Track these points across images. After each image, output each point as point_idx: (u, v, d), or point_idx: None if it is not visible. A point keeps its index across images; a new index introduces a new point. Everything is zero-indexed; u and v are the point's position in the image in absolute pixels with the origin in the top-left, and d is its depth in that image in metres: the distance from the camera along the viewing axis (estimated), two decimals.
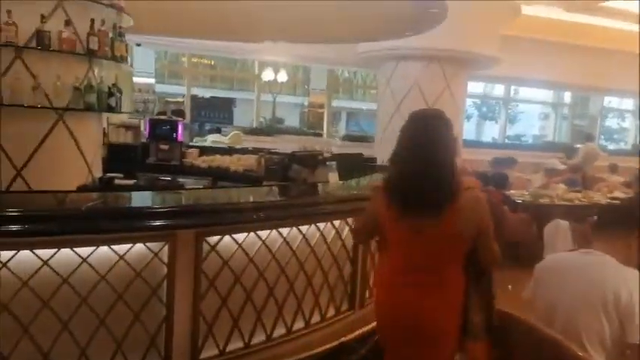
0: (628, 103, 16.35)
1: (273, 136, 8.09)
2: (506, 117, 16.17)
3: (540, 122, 20.92)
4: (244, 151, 5.56)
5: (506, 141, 14.10)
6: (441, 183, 1.80)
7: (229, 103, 18.53)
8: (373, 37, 5.43)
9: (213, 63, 16.13)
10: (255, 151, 5.28)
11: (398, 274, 1.91)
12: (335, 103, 16.01)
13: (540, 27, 9.50)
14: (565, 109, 16.91)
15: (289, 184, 3.06)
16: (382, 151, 8.12)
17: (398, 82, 7.62)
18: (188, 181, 4.74)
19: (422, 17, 4.82)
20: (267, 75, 10.39)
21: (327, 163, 3.10)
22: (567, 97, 16.39)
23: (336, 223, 2.70)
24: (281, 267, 2.49)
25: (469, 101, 14.69)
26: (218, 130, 10.17)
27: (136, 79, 11.67)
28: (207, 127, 13.34)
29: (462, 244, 1.85)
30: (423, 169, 1.82)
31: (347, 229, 2.78)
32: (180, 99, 12.34)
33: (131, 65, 11.36)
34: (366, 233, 2.16)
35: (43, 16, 3.36)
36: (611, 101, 17.40)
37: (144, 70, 12.70)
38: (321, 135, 10.61)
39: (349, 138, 9.05)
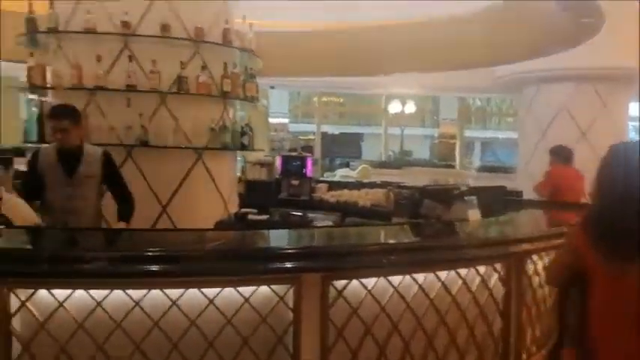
0: None
1: (401, 169, 7.80)
2: None
3: None
4: (372, 185, 5.36)
5: None
6: None
7: (357, 138, 18.79)
8: (515, 57, 4.92)
9: (342, 100, 16.54)
10: (383, 185, 5.06)
11: (606, 323, 1.69)
12: (467, 133, 15.24)
13: None
14: None
15: (422, 221, 2.76)
16: (526, 183, 7.30)
17: (541, 107, 6.85)
18: (317, 216, 4.68)
19: (573, 30, 4.24)
20: (395, 108, 10.21)
21: (465, 197, 2.73)
22: None
23: (481, 269, 2.31)
24: (417, 318, 2.17)
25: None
26: (347, 165, 10.20)
27: (271, 120, 12.44)
28: (337, 162, 13.55)
29: None
30: (633, 206, 1.64)
31: (495, 276, 2.37)
32: (311, 136, 12.75)
33: (267, 107, 12.18)
34: (563, 276, 1.89)
35: (182, 63, 3.60)
36: None
37: (279, 112, 13.48)
38: (453, 166, 10.01)
39: (486, 169, 8.34)
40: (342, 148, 17.35)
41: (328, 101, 15.62)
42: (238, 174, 5.50)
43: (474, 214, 2.68)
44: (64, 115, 2.59)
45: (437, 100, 13.77)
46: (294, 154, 5.46)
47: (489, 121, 18.74)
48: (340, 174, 9.80)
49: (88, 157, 2.67)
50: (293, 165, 5.21)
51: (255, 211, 3.83)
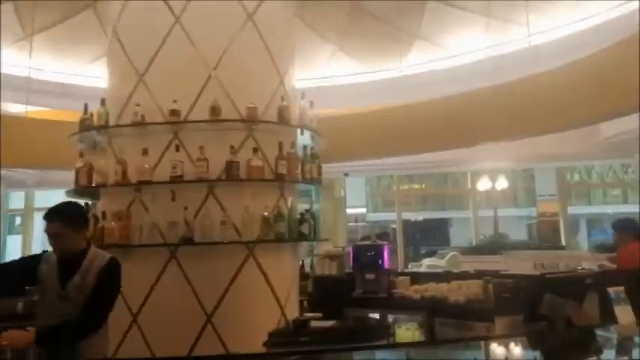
0: None
1: (498, 254, 6.63)
2: None
3: None
4: (465, 275, 4.47)
5: None
6: None
7: (444, 224, 17.65)
8: (630, 107, 3.99)
9: (423, 186, 15.81)
10: (478, 274, 4.16)
11: None
12: (570, 210, 13.63)
13: None
14: None
15: (545, 325, 1.92)
16: None
17: None
18: (399, 317, 3.86)
19: None
20: (484, 184, 9.17)
21: (610, 289, 1.88)
22: None
23: None
24: None
25: None
26: (433, 253, 9.21)
27: (349, 211, 11.89)
28: (423, 251, 12.49)
29: None
30: None
31: None
32: (393, 225, 11.94)
33: (344, 197, 11.74)
34: None
35: (232, 147, 3.22)
36: None
37: (357, 204, 13.00)
38: (562, 247, 8.55)
39: (602, 248, 6.89)
40: (428, 235, 16.23)
41: (409, 188, 14.98)
42: (307, 270, 4.87)
43: (626, 314, 1.80)
44: (53, 216, 2.10)
45: (531, 174, 12.52)
46: (367, 242, 4.74)
47: (593, 196, 16.84)
48: (427, 264, 8.82)
49: (89, 265, 2.13)
50: (367, 256, 4.48)
51: (319, 315, 3.11)
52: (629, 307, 1.84)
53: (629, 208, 8.25)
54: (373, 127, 5.80)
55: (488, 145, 6.62)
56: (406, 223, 16.64)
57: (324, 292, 4.37)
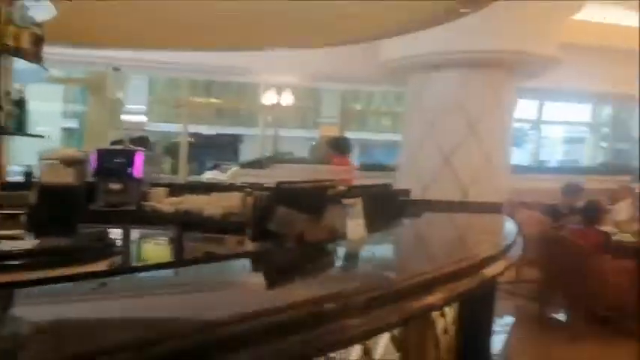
0: None
1: (271, 167, 6.50)
2: (539, 140, 14.62)
3: (565, 147, 19.42)
4: (230, 187, 4.09)
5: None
6: None
7: (236, 140, 17.36)
8: (406, 26, 4.00)
9: (218, 100, 15.10)
10: (241, 187, 3.79)
11: None
12: (349, 135, 14.67)
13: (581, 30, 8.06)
14: (603, 129, 15.27)
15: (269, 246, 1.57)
16: (411, 182, 6.58)
17: (431, 97, 6.14)
18: (148, 233, 3.28)
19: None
20: (269, 98, 8.86)
21: (344, 202, 1.61)
22: (605, 116, 14.81)
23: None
24: None
25: None
26: (216, 167, 8.78)
27: (126, 118, 10.49)
28: (209, 165, 12.03)
29: None
30: None
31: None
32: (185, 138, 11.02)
33: (122, 101, 10.26)
34: None
35: None
36: None
37: (138, 107, 11.56)
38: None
39: (367, 167, 7.44)
40: (219, 151, 15.78)
41: (205, 101, 14.09)
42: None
43: (357, 228, 1.56)
44: None
45: (318, 97, 12.89)
46: (116, 147, 3.93)
47: (369, 123, 18.51)
48: (207, 177, 8.37)
49: None
50: (114, 162, 3.68)
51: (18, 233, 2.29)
52: (361, 222, 1.59)
53: (396, 137, 9.08)
54: (146, 9, 4.78)
55: (278, 55, 6.23)
56: (197, 137, 15.78)
57: (54, 205, 3.49)
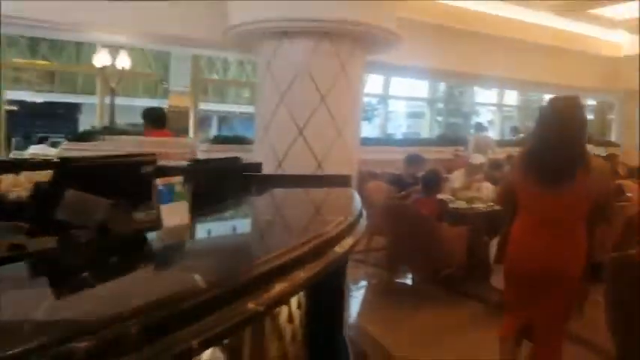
0: (492, 96, 16.62)
1: (104, 140, 5.59)
2: (386, 114, 15.55)
3: (408, 121, 21.00)
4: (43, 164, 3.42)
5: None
6: (576, 154, 2.34)
7: (74, 109, 15.34)
8: None
9: (49, 62, 13.12)
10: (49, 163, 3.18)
11: (534, 229, 2.42)
12: (203, 106, 13.92)
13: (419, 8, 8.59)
14: (439, 104, 16.82)
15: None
16: (266, 154, 6.39)
17: (282, 66, 5.93)
18: None
19: None
20: (103, 59, 7.67)
21: (160, 181, 1.29)
22: (441, 92, 16.31)
23: None
24: None
25: None
26: (42, 141, 7.58)
27: None
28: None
29: (587, 202, 2.36)
30: (563, 143, 2.33)
31: None
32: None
33: None
34: (505, 199, 2.66)
35: None
36: (478, 92, 17.71)
37: None
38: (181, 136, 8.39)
39: (222, 140, 7.02)
40: (50, 122, 13.81)
41: (32, 63, 12.11)
42: None
43: (177, 214, 1.26)
44: None
45: (167, 62, 11.86)
46: None
47: (229, 94, 17.86)
48: (31, 152, 7.19)
49: None
50: None
51: None
52: (185, 206, 1.29)
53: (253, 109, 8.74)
54: None
55: (115, 9, 5.44)
56: (21, 105, 13.69)
57: None
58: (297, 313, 1.88)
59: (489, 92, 16.94)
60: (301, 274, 1.23)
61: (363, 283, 5.14)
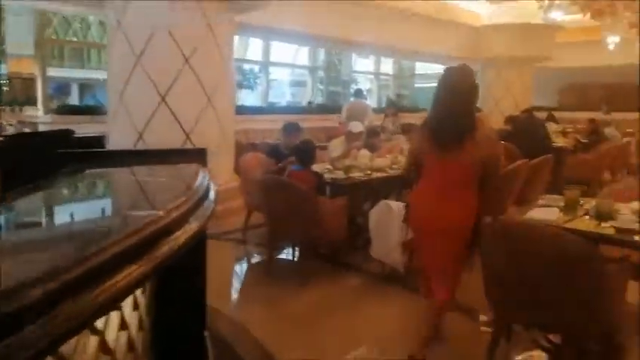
0: (370, 65, 16.94)
1: None
2: (267, 82, 15.07)
3: (292, 89, 20.79)
4: None
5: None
6: (464, 122, 2.49)
7: None
8: None
9: None
10: None
11: (429, 192, 2.63)
12: (59, 73, 12.19)
13: None
14: (320, 72, 16.72)
15: None
16: (123, 126, 5.58)
17: (135, 25, 5.12)
18: None
19: None
20: None
21: None
22: (322, 60, 16.16)
23: None
24: None
25: None
26: None
27: None
28: None
29: (475, 167, 2.52)
30: (452, 111, 2.51)
31: None
32: None
33: None
34: (409, 165, 2.86)
35: None
36: (357, 61, 17.93)
37: None
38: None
39: (67, 110, 5.95)
40: None
41: None
42: None
43: None
44: None
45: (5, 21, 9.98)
46: None
47: (89, 59, 15.88)
48: None
49: None
50: None
51: None
52: None
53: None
54: None
55: None
56: None
57: None
58: (142, 301, 1.42)
59: (367, 61, 17.24)
60: (119, 279, 0.80)
61: (244, 263, 4.74)
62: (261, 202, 4.15)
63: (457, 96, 2.49)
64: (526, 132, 6.34)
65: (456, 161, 2.51)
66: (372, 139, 5.82)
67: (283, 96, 20.00)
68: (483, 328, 3.18)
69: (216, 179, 6.30)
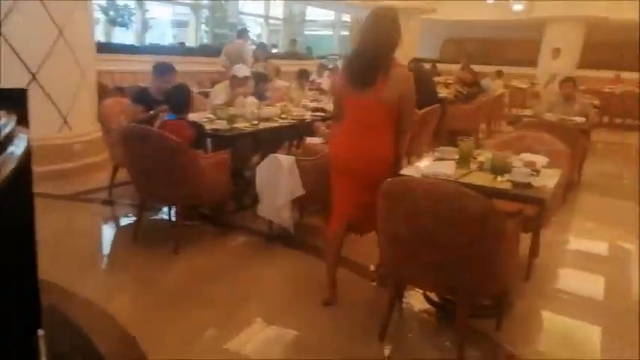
0: (260, 7, 16.00)
1: None
2: (143, 21, 13.52)
3: (174, 30, 19.18)
4: None
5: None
6: (378, 61, 2.52)
7: None
8: None
9: None
10: None
11: (350, 130, 2.64)
12: None
13: None
14: (204, 12, 15.40)
15: None
16: None
17: None
18: None
19: None
20: None
21: None
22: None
23: None
24: None
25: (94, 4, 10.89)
26: None
27: None
28: None
29: (391, 106, 2.55)
30: (368, 51, 2.54)
31: None
32: None
33: None
34: (335, 103, 2.81)
35: None
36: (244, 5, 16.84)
37: None
38: None
39: None
40: None
41: None
42: None
43: None
44: None
45: None
46: None
47: None
48: None
49: None
50: None
51: None
52: None
53: None
54: None
55: None
56: None
57: None
58: None
59: (256, 4, 16.23)
60: None
61: (109, 227, 4.06)
62: (125, 156, 3.51)
63: (376, 35, 2.51)
64: (416, 81, 6.24)
65: (369, 100, 2.53)
66: (260, 85, 5.31)
67: (164, 37, 18.31)
68: (372, 283, 3.05)
69: (75, 129, 5.36)
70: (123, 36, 15.94)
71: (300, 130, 4.70)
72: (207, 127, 3.75)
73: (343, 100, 2.65)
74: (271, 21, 16.02)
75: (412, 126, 2.68)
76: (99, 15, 16.29)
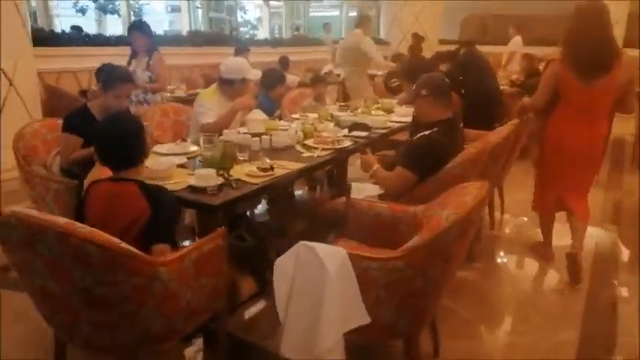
0: None
1: None
2: (129, 8, 11.90)
3: (169, 16, 17.95)
4: None
5: None
6: (613, 50, 2.79)
7: None
8: None
9: None
10: None
11: (572, 117, 2.91)
12: None
13: None
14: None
15: None
16: None
17: None
18: None
19: None
20: None
21: None
22: None
23: None
24: None
25: None
26: None
27: None
28: None
29: (616, 92, 2.85)
30: (603, 41, 2.76)
31: None
32: None
33: None
34: (545, 98, 2.99)
35: None
36: None
37: None
38: None
39: None
40: None
41: None
42: None
43: None
44: None
45: None
46: None
47: None
48: None
49: None
50: None
51: None
52: None
53: None
54: None
55: None
56: None
57: None
58: None
59: None
60: None
61: None
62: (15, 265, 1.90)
63: (606, 27, 2.72)
64: (479, 69, 4.61)
65: (600, 88, 2.79)
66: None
67: (161, 24, 16.85)
68: None
69: None
70: (115, 24, 14.37)
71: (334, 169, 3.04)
72: (181, 186, 2.10)
73: (565, 89, 2.86)
74: (272, 2, 14.20)
75: (632, 105, 2.91)
76: (88, 2, 15.02)
